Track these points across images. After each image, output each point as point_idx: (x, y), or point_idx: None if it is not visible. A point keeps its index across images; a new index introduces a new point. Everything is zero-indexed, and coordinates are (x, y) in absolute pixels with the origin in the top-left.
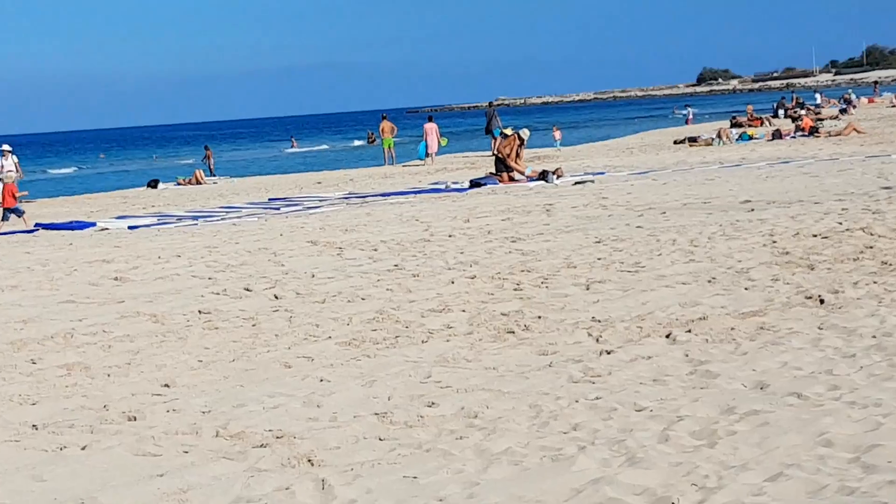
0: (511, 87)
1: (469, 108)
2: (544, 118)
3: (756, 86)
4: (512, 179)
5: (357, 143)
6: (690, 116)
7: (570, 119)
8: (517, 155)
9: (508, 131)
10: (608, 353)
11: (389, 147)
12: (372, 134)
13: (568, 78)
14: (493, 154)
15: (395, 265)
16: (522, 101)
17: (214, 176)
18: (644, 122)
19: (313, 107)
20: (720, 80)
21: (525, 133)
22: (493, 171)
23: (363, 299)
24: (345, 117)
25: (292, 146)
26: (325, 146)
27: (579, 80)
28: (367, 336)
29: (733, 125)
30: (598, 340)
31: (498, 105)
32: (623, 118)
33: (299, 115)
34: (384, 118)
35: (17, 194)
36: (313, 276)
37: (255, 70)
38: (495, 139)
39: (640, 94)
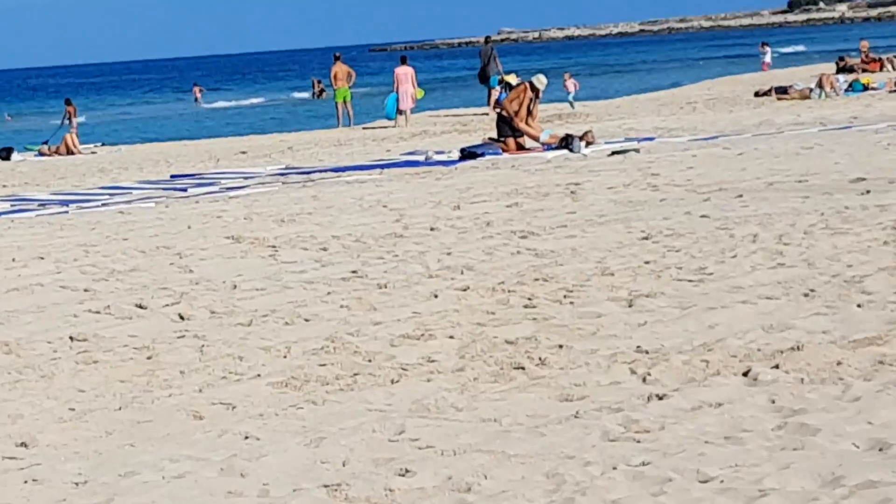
0: (520, 15)
1: (459, 44)
2: (567, 60)
3: (874, 13)
4: (521, 148)
5: (299, 95)
6: (767, 59)
7: (604, 60)
8: (529, 113)
9: (513, 79)
10: (660, 398)
11: (345, 101)
12: (320, 82)
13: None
14: (493, 111)
15: (354, 271)
16: (537, 34)
17: (88, 145)
18: (712, 65)
19: (240, 44)
20: (822, 3)
21: (541, 81)
22: (494, 135)
23: (307, 321)
24: (283, 58)
25: (196, 99)
26: (255, 99)
27: (619, 4)
28: (312, 373)
29: (841, 69)
30: (644, 380)
31: (499, 41)
32: (682, 59)
33: (220, 56)
34: (337, 59)
35: None
36: (235, 286)
37: None
38: (493, 90)
39: (705, 24)
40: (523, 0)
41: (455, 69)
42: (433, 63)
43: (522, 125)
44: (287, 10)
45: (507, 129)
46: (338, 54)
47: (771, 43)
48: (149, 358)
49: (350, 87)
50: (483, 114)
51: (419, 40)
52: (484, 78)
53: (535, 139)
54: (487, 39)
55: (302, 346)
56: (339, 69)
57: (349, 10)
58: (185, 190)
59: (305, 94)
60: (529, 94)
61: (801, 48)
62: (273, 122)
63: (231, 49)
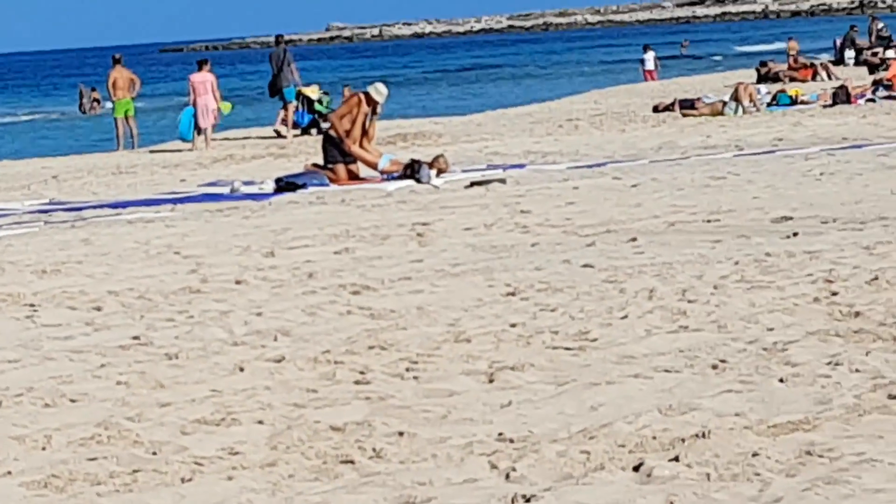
0: (355, 6)
1: (271, 43)
2: (413, 63)
3: (805, 6)
4: (355, 177)
5: (63, 108)
6: (650, 66)
7: (462, 64)
8: (364, 133)
9: (313, 92)
10: (527, 500)
11: (126, 116)
12: (94, 91)
13: None
14: (284, 131)
15: (135, 338)
16: (376, 31)
17: None
18: (599, 72)
19: None
20: None
21: (379, 92)
22: (320, 161)
23: (73, 401)
24: (44, 61)
25: None
26: (3, 116)
27: None
28: (79, 470)
29: (762, 78)
30: (508, 477)
31: (328, 39)
32: (561, 63)
33: None
34: (116, 62)
35: None
36: None
37: None
38: (289, 105)
39: (592, 18)
40: None
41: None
42: (243, 67)
43: (356, 149)
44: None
45: (336, 153)
46: (118, 56)
47: (670, 44)
48: None
49: (134, 99)
50: (274, 136)
51: (224, 38)
52: (275, 90)
53: (373, 166)
54: (279, 40)
55: (66, 435)
56: (120, 75)
57: (133, 2)
58: None
59: (71, 108)
60: (365, 108)
61: (714, 50)
62: (31, 142)
63: None
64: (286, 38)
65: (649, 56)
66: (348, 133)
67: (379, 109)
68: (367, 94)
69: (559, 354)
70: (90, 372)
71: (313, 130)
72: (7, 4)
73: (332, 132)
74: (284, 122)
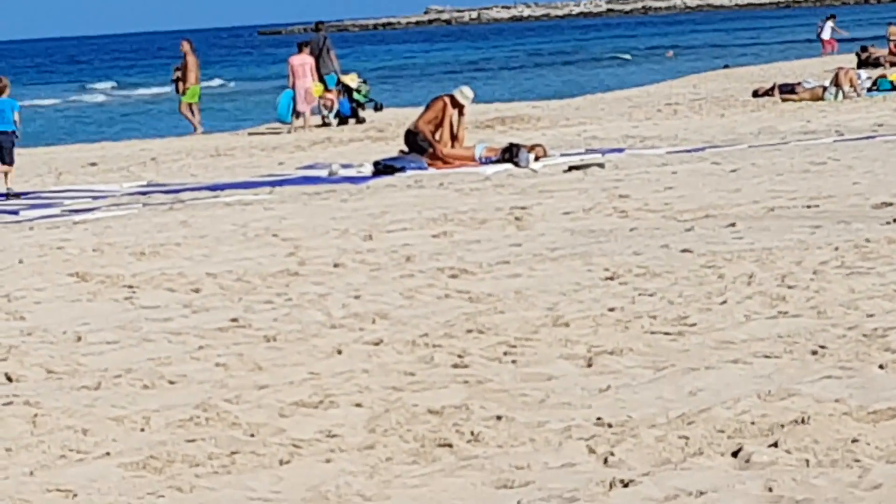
0: None
1: (376, 25)
2: (512, 47)
3: None
4: (448, 162)
5: (156, 91)
6: (827, 35)
7: (560, 48)
8: (453, 135)
9: (352, 80)
10: (625, 484)
11: (193, 101)
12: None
13: None
14: (326, 120)
15: (234, 320)
16: (475, 14)
17: None
18: (697, 56)
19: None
20: None
21: (465, 95)
22: (408, 147)
23: (172, 383)
24: (150, 42)
25: None
26: (101, 97)
27: None
28: (177, 452)
29: (862, 63)
30: (606, 462)
31: (427, 22)
32: (661, 47)
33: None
34: (186, 47)
35: None
36: (79, 338)
37: None
38: (328, 93)
39: (691, 2)
40: None
41: (370, 58)
42: (341, 51)
43: (447, 151)
44: None
45: (424, 142)
46: (187, 39)
47: (770, 28)
48: None
49: (200, 83)
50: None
51: (322, 21)
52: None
53: (470, 160)
54: (318, 26)
55: (165, 417)
56: (190, 61)
57: None
58: (15, 213)
59: (165, 90)
60: (450, 111)
61: (801, 36)
62: (126, 123)
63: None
64: (383, 20)
65: (828, 25)
66: (438, 138)
67: (465, 112)
68: (452, 97)
69: (658, 339)
70: (188, 354)
71: (352, 120)
72: None
73: (420, 138)
74: (327, 107)
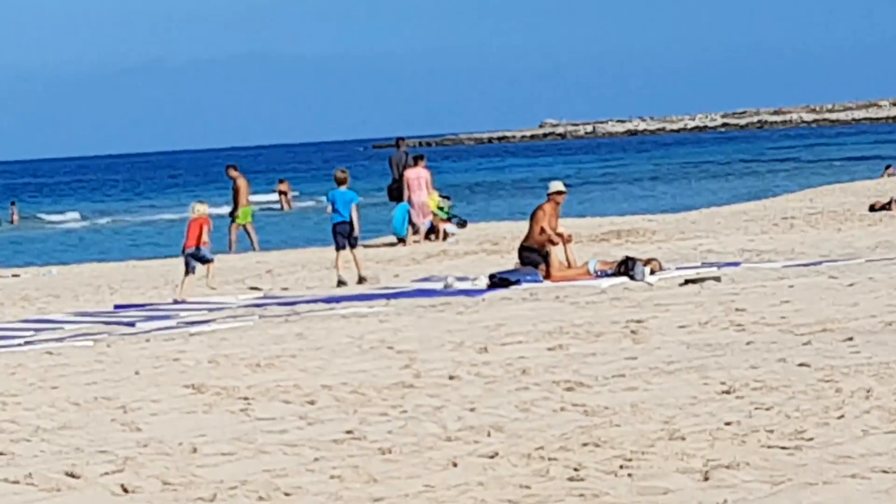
0: (568, 103)
1: (490, 139)
2: (624, 161)
3: None
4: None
5: (263, 198)
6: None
7: (677, 162)
8: (568, 260)
9: (432, 201)
10: None
11: (246, 222)
12: (282, 184)
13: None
14: (414, 238)
15: (349, 432)
16: (590, 128)
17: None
18: (815, 171)
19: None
20: None
21: (553, 186)
22: (523, 260)
23: (287, 495)
24: (260, 154)
25: (12, 218)
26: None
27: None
28: None
29: None
30: None
31: (542, 136)
32: (775, 161)
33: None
34: (233, 172)
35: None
36: (195, 450)
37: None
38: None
39: (807, 117)
40: (572, 85)
41: (485, 171)
42: (455, 164)
43: (560, 275)
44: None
45: (537, 257)
46: (233, 165)
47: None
48: None
49: (252, 206)
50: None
51: (437, 134)
52: (396, 194)
53: (586, 275)
54: (399, 142)
55: None
56: (240, 182)
57: (346, 98)
58: (132, 324)
59: (271, 197)
60: (549, 210)
61: None
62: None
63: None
64: (498, 134)
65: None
66: (549, 239)
67: (561, 201)
68: (547, 199)
69: (775, 453)
70: (304, 466)
71: (432, 236)
72: (236, 109)
73: (537, 244)
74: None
